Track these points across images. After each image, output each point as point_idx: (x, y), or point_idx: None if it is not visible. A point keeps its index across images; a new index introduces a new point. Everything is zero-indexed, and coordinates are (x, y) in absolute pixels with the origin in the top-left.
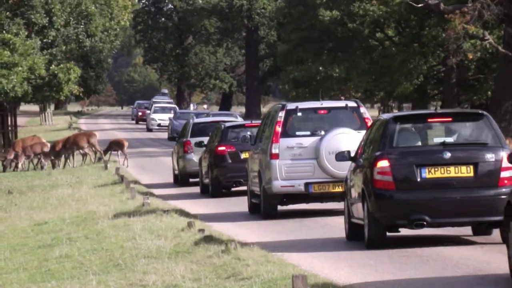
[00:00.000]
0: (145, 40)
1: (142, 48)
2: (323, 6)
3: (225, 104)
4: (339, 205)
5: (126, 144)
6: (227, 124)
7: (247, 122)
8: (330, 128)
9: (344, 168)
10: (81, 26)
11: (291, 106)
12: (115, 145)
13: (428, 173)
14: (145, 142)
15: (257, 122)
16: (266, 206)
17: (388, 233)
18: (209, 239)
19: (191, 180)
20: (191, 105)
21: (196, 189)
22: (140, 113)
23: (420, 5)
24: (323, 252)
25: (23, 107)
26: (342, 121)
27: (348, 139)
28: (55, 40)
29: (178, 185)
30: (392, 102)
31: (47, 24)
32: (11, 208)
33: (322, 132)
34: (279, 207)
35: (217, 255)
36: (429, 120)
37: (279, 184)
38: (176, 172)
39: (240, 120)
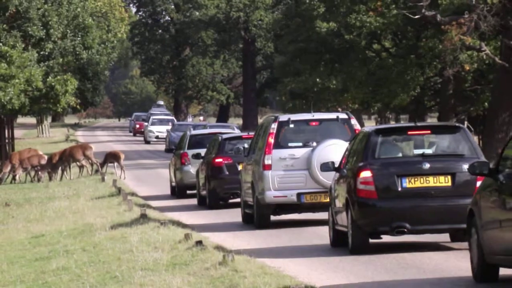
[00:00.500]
0: (142, 52)
1: (139, 60)
2: (320, 18)
3: (223, 116)
4: None
5: (122, 156)
6: (224, 136)
7: (244, 134)
8: (322, 139)
9: None
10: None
11: (283, 118)
12: (111, 157)
13: (409, 183)
14: (143, 154)
15: (254, 133)
16: (259, 216)
17: (370, 240)
18: (206, 251)
19: (188, 192)
20: (188, 117)
21: (194, 201)
22: (137, 126)
23: (417, 16)
24: (308, 258)
25: (20, 119)
26: (333, 132)
27: (339, 150)
28: (52, 53)
29: (175, 197)
30: (389, 114)
31: (44, 37)
32: (8, 221)
33: (314, 144)
34: (272, 217)
35: (214, 267)
36: (409, 132)
37: (272, 195)
38: (174, 184)
39: (237, 132)
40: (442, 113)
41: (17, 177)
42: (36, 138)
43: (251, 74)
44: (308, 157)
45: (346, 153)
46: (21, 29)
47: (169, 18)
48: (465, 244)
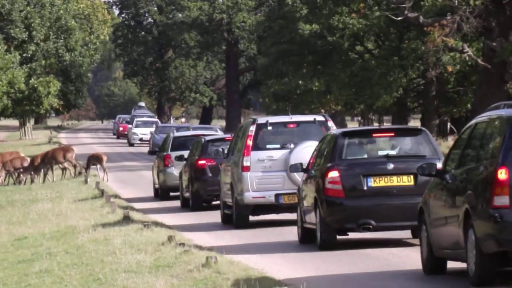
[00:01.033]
0: (125, 54)
1: (122, 62)
2: (303, 19)
3: (206, 118)
4: None
5: (104, 158)
6: (207, 138)
7: (228, 135)
8: (299, 141)
9: None
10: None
11: (261, 120)
12: (93, 160)
13: (374, 182)
14: (126, 156)
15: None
16: (238, 217)
17: (338, 236)
18: (189, 253)
19: (171, 194)
20: (172, 119)
21: (177, 203)
22: (121, 128)
23: (399, 18)
24: (278, 253)
25: (3, 121)
26: (311, 134)
27: None
28: (34, 55)
29: (158, 199)
30: (372, 115)
31: (26, 39)
32: None
33: (291, 145)
34: (250, 217)
35: (197, 269)
36: (374, 135)
37: (250, 196)
38: (157, 186)
39: (220, 134)
40: (425, 115)
41: (0, 180)
42: (19, 141)
43: (234, 76)
44: (286, 158)
45: (314, 154)
46: (4, 31)
47: (152, 20)
48: None
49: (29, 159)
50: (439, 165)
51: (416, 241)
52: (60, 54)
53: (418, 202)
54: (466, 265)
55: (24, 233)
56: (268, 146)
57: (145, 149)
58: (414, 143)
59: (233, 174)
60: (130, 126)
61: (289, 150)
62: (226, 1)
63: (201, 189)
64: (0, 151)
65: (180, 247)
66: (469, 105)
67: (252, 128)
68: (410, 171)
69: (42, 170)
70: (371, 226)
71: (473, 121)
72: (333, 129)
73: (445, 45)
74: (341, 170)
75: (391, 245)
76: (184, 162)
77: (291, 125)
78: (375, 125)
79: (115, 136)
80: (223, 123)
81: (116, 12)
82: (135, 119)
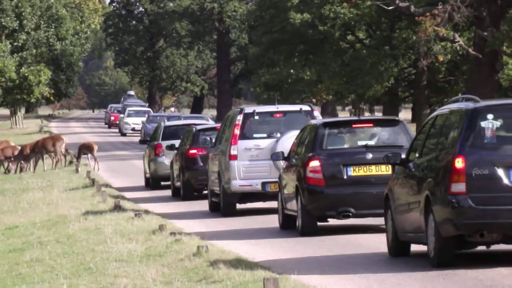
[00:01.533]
0: (116, 43)
1: (113, 51)
2: (294, 9)
3: (197, 107)
4: None
5: (95, 147)
6: (199, 127)
7: (218, 125)
8: (285, 130)
9: None
10: (52, 30)
11: (248, 110)
12: (85, 149)
13: (353, 171)
14: (117, 146)
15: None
16: (225, 205)
17: (318, 223)
18: (180, 242)
19: (162, 183)
20: (162, 109)
21: (168, 192)
22: (112, 118)
23: (390, 7)
24: (260, 239)
25: None
26: (297, 124)
27: None
28: (25, 44)
29: (149, 188)
30: (363, 105)
31: (17, 28)
32: None
33: (278, 134)
34: (238, 205)
35: (188, 258)
36: (354, 125)
37: (237, 184)
38: (148, 175)
39: (211, 123)
40: (416, 104)
41: None
42: (10, 130)
43: (225, 65)
44: (272, 147)
45: (295, 142)
46: None
47: (143, 9)
48: None
49: (20, 148)
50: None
51: None
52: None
53: None
54: (427, 248)
55: (15, 222)
56: (255, 135)
57: (137, 138)
58: (392, 134)
59: (220, 162)
60: (122, 115)
61: (275, 139)
62: None
63: (192, 178)
64: None
65: (171, 236)
66: (460, 95)
67: (239, 118)
68: None
69: (32, 160)
70: (350, 214)
71: (434, 113)
72: (319, 118)
73: (436, 34)
74: (321, 159)
75: (369, 231)
76: (175, 151)
77: (278, 115)
78: (367, 114)
79: (107, 126)
80: (214, 112)
81: (107, 1)
82: (127, 109)
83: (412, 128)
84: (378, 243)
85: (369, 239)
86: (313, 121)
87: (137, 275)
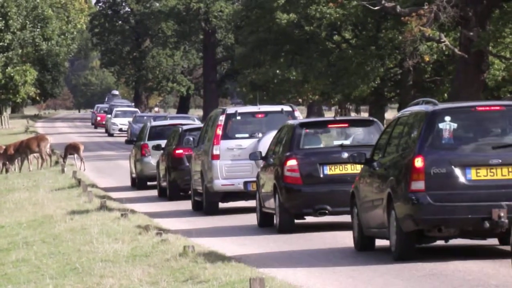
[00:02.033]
0: (102, 43)
1: (99, 51)
2: (280, 9)
3: (183, 107)
4: None
5: (82, 147)
6: (185, 127)
7: None
8: (267, 130)
9: None
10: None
11: (230, 110)
12: (71, 149)
13: (329, 170)
14: (103, 146)
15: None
16: (208, 204)
17: (296, 220)
18: (166, 242)
19: (148, 183)
20: (148, 109)
21: (154, 192)
22: (99, 118)
23: (376, 7)
24: (238, 236)
25: None
26: (278, 124)
27: None
28: (11, 44)
29: (135, 189)
30: (349, 105)
31: (3, 28)
32: None
33: (260, 135)
34: (220, 204)
35: (174, 258)
36: (329, 125)
37: (220, 183)
38: (134, 175)
39: (197, 123)
40: (402, 104)
41: None
42: None
43: (212, 65)
44: (254, 147)
45: (273, 142)
46: None
47: (129, 9)
48: None
49: (4, 147)
50: None
51: None
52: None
53: None
54: (389, 242)
55: (0, 222)
56: (237, 135)
57: (123, 139)
58: (366, 133)
59: (203, 162)
60: (109, 116)
61: (257, 139)
62: None
63: (178, 178)
64: None
65: (157, 236)
66: (446, 95)
67: (222, 118)
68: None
69: (17, 160)
70: (327, 211)
71: (397, 115)
72: (300, 118)
73: (422, 34)
74: (299, 158)
75: (344, 228)
76: (162, 151)
77: (259, 115)
78: (353, 114)
79: (93, 126)
80: (200, 112)
81: (93, 1)
82: (114, 109)
83: None
84: (350, 238)
85: (344, 235)
86: (290, 121)
87: (123, 275)
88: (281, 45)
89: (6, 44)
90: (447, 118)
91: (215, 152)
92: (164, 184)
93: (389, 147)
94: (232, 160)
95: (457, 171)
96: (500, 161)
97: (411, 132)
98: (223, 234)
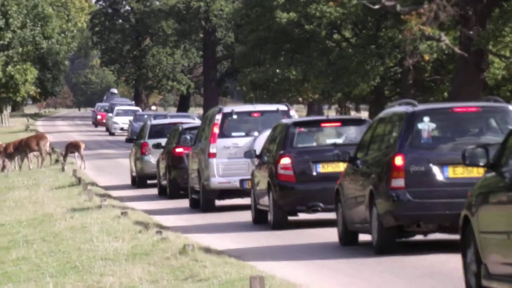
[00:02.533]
0: (102, 42)
1: (99, 50)
2: (280, 8)
3: (183, 106)
4: None
5: (82, 145)
6: (185, 126)
7: None
8: (263, 129)
9: None
10: (38, 28)
11: (227, 109)
12: (72, 147)
13: (322, 168)
14: (103, 144)
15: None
16: (205, 201)
17: (289, 217)
18: (166, 240)
19: (148, 181)
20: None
21: (154, 191)
22: (99, 116)
23: (376, 6)
24: (233, 232)
25: None
26: (274, 123)
27: None
28: (11, 42)
29: (135, 187)
30: (349, 103)
31: (3, 26)
32: None
33: (256, 133)
34: (216, 202)
35: (174, 257)
36: (322, 124)
37: (216, 181)
38: (134, 174)
39: (197, 122)
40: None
41: None
42: None
43: (212, 64)
44: (250, 146)
45: (267, 140)
46: None
47: (129, 8)
48: None
49: (4, 145)
50: None
51: None
52: (37, 42)
53: None
54: (371, 237)
55: (0, 221)
56: (233, 134)
57: (124, 137)
58: (358, 132)
59: (200, 160)
60: (109, 114)
61: (253, 137)
62: None
63: (178, 177)
64: None
65: (157, 235)
66: (446, 94)
67: (218, 117)
68: None
69: (17, 158)
70: (319, 208)
71: (379, 115)
72: (295, 117)
73: (422, 33)
74: (292, 157)
75: (336, 225)
76: (162, 150)
77: (255, 114)
78: (352, 113)
79: (94, 125)
80: (200, 111)
81: None
82: (116, 108)
83: None
84: (335, 234)
85: (332, 231)
86: (284, 120)
87: (124, 273)
88: (281, 44)
89: (6, 43)
90: (426, 119)
91: (212, 150)
92: (164, 182)
93: (372, 146)
94: (229, 159)
95: (435, 169)
96: None
97: (392, 132)
98: (219, 230)
